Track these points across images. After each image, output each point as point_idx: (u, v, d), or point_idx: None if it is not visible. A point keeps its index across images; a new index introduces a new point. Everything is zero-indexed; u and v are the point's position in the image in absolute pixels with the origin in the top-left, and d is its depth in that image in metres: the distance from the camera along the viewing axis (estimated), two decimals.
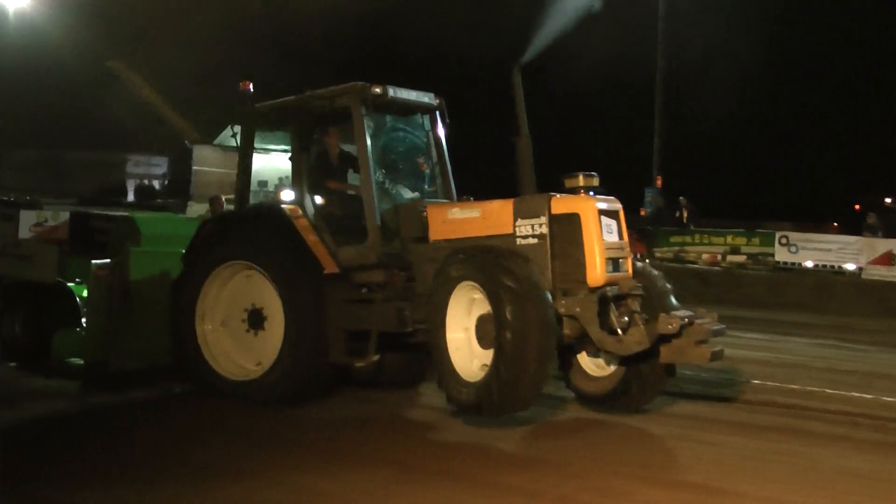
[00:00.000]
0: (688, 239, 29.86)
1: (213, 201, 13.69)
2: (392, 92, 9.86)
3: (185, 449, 8.02)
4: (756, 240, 28.98)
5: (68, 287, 11.65)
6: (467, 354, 8.83)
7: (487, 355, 8.59)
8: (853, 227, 32.08)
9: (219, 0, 37.93)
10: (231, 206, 11.82)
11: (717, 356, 8.64)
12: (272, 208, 9.92)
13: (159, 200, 25.02)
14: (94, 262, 10.51)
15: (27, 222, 21.21)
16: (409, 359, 10.49)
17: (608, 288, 8.74)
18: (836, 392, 11.25)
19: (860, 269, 26.40)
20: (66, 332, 11.25)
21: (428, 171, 10.61)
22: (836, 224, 38.62)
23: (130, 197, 40.17)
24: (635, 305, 8.99)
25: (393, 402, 9.93)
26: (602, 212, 8.93)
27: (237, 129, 10.59)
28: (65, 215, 17.91)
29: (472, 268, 8.57)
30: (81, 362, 10.82)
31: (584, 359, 9.66)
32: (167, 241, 11.45)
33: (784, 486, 7.22)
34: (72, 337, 11.22)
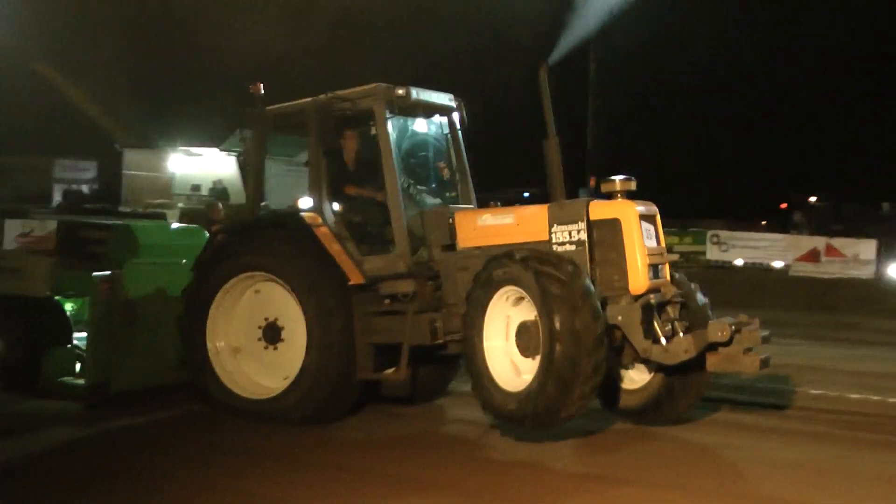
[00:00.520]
0: None
1: (211, 209, 13.12)
2: (415, 93, 9.47)
3: (213, 475, 7.56)
4: (688, 238, 29.20)
5: (58, 302, 11.06)
6: (506, 363, 8.45)
7: (529, 364, 8.26)
8: (780, 225, 32.48)
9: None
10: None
11: (765, 364, 8.37)
12: (293, 216, 9.45)
13: (158, 204, 24.03)
14: (95, 274, 9.95)
15: (12, 232, 20.08)
16: (435, 372, 10.11)
17: (651, 295, 8.44)
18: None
19: (787, 265, 26.88)
20: (57, 349, 10.69)
21: (448, 175, 10.23)
22: (764, 222, 39.04)
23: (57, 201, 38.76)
24: (675, 313, 8.72)
25: (428, 418, 9.61)
26: (641, 216, 8.64)
27: (246, 133, 10.12)
28: (53, 224, 17.07)
29: (519, 271, 8.17)
30: (80, 382, 10.26)
31: (616, 370, 9.35)
32: (166, 252, 10.95)
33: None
34: (64, 355, 10.67)
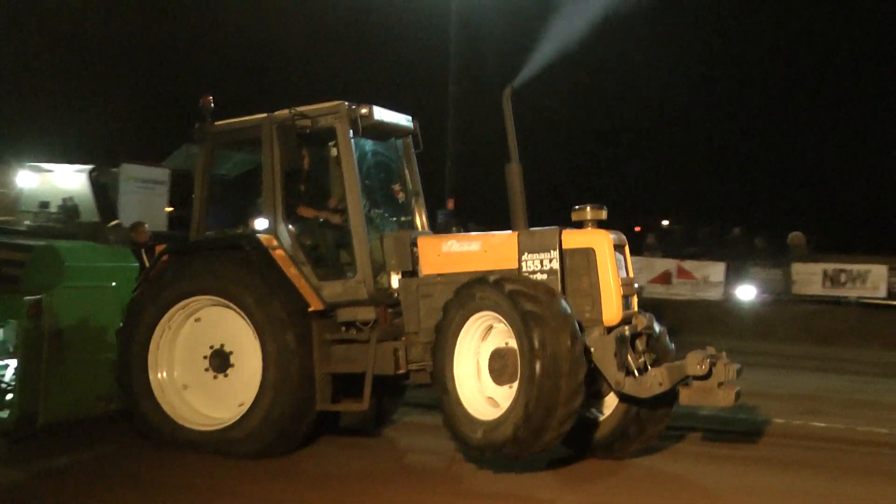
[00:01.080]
0: None
1: (136, 229, 12.39)
2: (378, 113, 9.13)
3: None
4: None
5: None
6: (477, 392, 8.16)
7: (502, 392, 8.03)
8: (634, 247, 33.11)
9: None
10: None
11: (738, 397, 8.29)
12: (249, 238, 8.94)
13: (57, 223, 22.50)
14: (26, 298, 9.23)
15: None
16: (379, 402, 9.73)
17: (626, 326, 8.29)
18: None
19: (641, 287, 27.18)
20: None
21: (403, 199, 9.90)
22: None
23: None
24: (642, 345, 8.58)
25: (384, 449, 9.22)
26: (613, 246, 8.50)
27: (194, 149, 9.58)
28: None
29: (494, 295, 7.89)
30: (2, 415, 9.47)
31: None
32: (93, 274, 10.26)
33: None
34: None
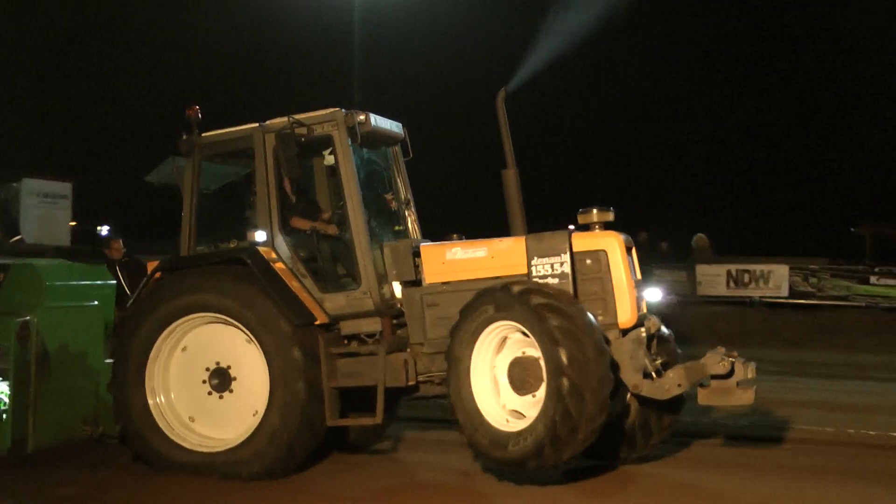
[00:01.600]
0: None
1: (109, 245, 11.89)
2: (374, 120, 8.91)
3: None
4: None
5: None
6: (495, 402, 7.96)
7: (523, 402, 7.87)
8: None
9: None
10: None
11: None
12: (251, 252, 8.61)
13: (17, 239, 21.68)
14: (17, 319, 8.78)
15: None
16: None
17: (641, 329, 8.18)
18: None
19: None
20: None
21: (396, 207, 9.67)
22: None
23: None
24: (654, 347, 8.49)
25: (403, 466, 9.04)
26: None
27: (181, 161, 9.23)
28: None
29: (517, 305, 7.70)
30: None
31: None
32: (73, 293, 9.82)
33: None
34: None
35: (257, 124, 8.94)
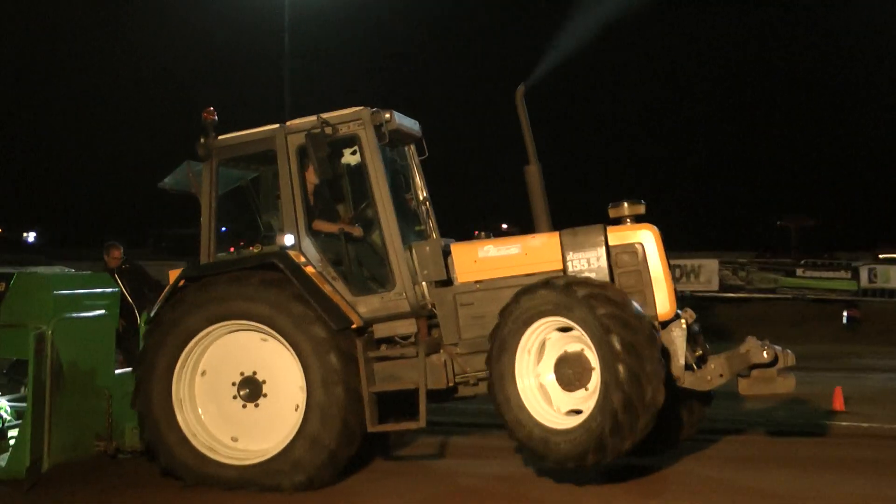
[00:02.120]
0: None
1: (108, 251, 11.49)
2: (398, 119, 8.75)
3: None
4: None
5: None
6: (540, 400, 7.85)
7: (572, 398, 7.79)
8: None
9: None
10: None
11: None
12: (283, 256, 8.38)
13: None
14: (34, 331, 8.44)
15: None
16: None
17: (682, 320, 8.16)
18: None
19: None
20: None
21: (415, 207, 9.53)
22: None
23: None
24: (691, 338, 8.47)
25: (444, 474, 8.80)
26: None
27: (197, 166, 8.98)
28: None
29: (565, 299, 7.60)
30: (1, 465, 8.64)
31: None
32: (80, 302, 9.44)
33: None
34: None
35: (278, 125, 8.73)
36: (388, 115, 8.56)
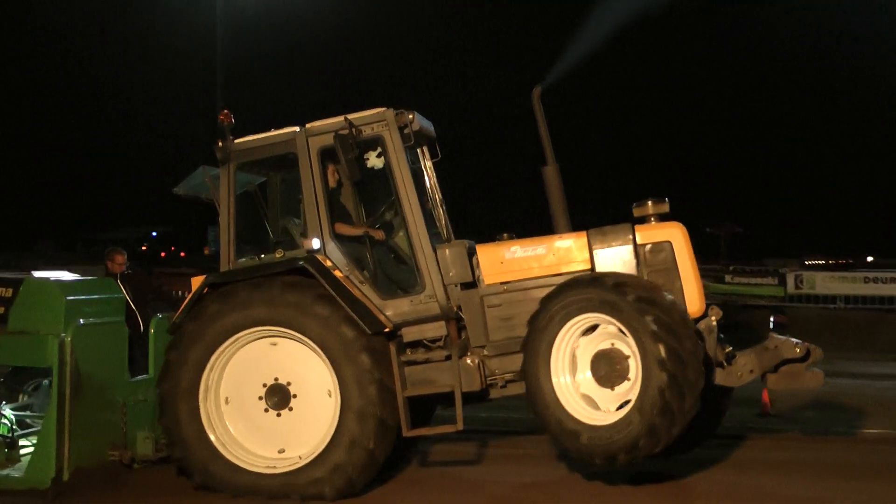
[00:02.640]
0: None
1: (111, 257, 11.19)
2: (419, 119, 8.67)
3: None
4: None
5: None
6: (577, 398, 7.82)
7: (610, 395, 7.78)
8: None
9: None
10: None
11: None
12: (312, 261, 8.25)
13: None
14: (55, 338, 8.23)
15: None
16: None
17: (712, 317, 8.20)
18: None
19: None
20: None
21: (431, 208, 9.43)
22: None
23: None
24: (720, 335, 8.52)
25: (481, 481, 8.72)
26: None
27: (213, 171, 8.81)
28: None
29: (610, 297, 7.57)
30: (16, 475, 8.44)
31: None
32: (92, 308, 9.20)
33: None
34: None
35: (297, 128, 8.60)
36: (411, 116, 8.48)
